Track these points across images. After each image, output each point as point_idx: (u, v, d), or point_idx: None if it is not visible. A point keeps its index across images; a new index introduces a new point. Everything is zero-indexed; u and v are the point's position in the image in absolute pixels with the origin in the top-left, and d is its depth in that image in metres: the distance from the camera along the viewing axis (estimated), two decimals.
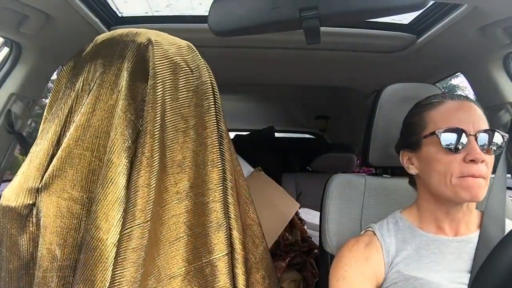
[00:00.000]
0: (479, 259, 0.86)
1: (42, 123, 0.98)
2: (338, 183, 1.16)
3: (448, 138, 0.88)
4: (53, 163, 0.87)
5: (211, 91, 0.90)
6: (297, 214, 1.78)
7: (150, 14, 1.62)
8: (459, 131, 0.88)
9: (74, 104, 0.92)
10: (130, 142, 0.82)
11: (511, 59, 1.39)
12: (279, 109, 3.42)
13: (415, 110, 0.99)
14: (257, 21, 0.92)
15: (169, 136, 0.85)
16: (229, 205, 0.89)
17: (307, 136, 3.97)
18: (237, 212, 0.91)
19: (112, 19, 1.49)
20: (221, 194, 0.88)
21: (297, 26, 0.90)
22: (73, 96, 0.93)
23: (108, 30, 1.45)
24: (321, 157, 2.87)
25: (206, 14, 0.94)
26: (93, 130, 0.87)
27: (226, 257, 0.87)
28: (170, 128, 0.85)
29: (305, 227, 1.81)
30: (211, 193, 0.87)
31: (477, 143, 0.86)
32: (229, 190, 0.89)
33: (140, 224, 0.77)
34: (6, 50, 1.45)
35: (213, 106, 0.89)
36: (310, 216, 1.99)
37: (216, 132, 0.89)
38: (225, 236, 0.87)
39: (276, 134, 3.35)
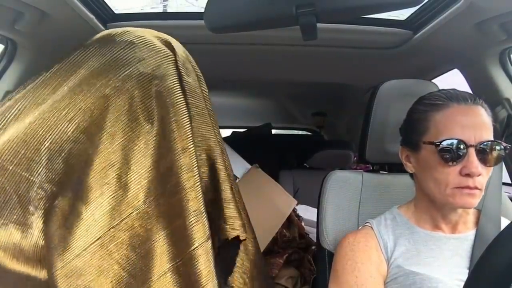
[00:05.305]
0: (477, 256, 0.86)
1: None
2: (335, 179, 1.17)
3: (447, 150, 0.85)
4: None
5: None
6: (294, 210, 1.78)
7: (145, 10, 1.61)
8: (458, 143, 0.85)
9: None
10: None
11: (507, 55, 1.40)
12: (276, 106, 3.41)
13: (419, 107, 0.95)
14: (253, 17, 0.92)
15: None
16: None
17: (304, 133, 3.97)
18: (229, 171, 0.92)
19: (108, 16, 1.49)
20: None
21: (294, 22, 0.89)
22: None
23: (104, 27, 1.44)
24: (319, 154, 2.86)
25: (202, 11, 0.94)
26: None
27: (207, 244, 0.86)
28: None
29: (303, 223, 1.81)
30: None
31: (476, 155, 0.84)
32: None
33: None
34: (1, 47, 1.44)
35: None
36: (308, 213, 1.99)
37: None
38: (204, 225, 0.86)
39: (273, 131, 3.35)
